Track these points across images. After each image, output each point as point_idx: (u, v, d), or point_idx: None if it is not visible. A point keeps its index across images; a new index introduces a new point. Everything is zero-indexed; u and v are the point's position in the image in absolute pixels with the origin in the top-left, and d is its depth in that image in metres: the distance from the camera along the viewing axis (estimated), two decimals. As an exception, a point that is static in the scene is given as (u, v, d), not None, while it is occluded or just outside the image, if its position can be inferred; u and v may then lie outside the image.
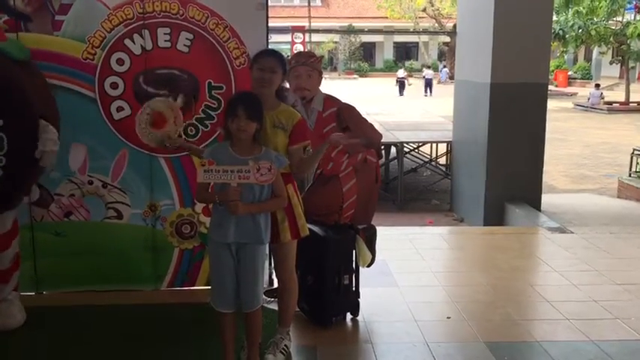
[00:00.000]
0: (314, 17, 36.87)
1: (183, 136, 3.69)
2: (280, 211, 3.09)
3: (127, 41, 3.79)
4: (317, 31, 34.81)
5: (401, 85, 30.36)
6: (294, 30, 30.67)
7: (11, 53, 3.30)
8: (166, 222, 4.02)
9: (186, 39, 3.82)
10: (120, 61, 3.80)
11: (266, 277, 3.82)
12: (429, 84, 30.09)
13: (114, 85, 3.82)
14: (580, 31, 23.22)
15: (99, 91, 3.81)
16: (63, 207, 3.94)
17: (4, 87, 3.18)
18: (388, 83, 34.37)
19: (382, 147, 8.72)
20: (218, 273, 3.01)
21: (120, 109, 3.85)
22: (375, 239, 3.92)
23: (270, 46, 3.82)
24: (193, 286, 4.14)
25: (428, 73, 30.74)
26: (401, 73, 31.77)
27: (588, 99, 24.39)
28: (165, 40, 3.81)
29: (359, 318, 3.81)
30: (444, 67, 38.66)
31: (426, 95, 29.65)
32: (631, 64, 26.12)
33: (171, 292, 4.12)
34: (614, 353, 3.43)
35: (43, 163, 3.32)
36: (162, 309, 3.91)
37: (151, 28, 3.79)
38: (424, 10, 36.62)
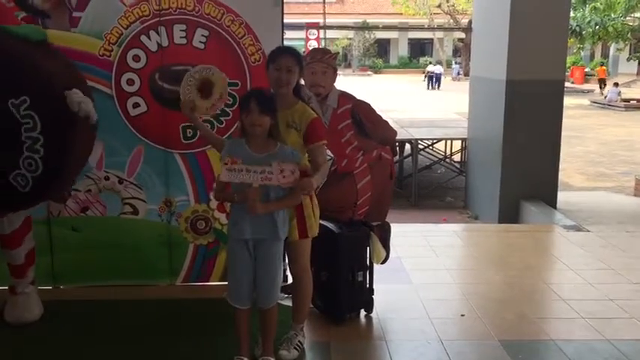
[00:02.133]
0: (328, 14, 36.85)
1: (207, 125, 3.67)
2: (290, 210, 3.10)
3: (143, 38, 3.81)
4: (331, 27, 34.79)
5: (430, 79, 31.18)
6: (308, 26, 30.67)
7: (28, 35, 3.33)
8: (181, 218, 4.05)
9: (202, 35, 3.83)
10: (136, 58, 3.83)
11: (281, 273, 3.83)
12: (437, 79, 30.59)
13: (130, 82, 3.85)
14: (597, 27, 23.04)
15: (115, 88, 3.84)
16: (80, 202, 3.98)
17: (23, 66, 3.18)
18: (403, 80, 34.28)
19: (397, 144, 8.70)
20: (235, 269, 3.02)
21: (136, 105, 3.87)
22: (390, 236, 3.92)
23: (284, 43, 3.84)
24: (208, 281, 4.17)
25: (436, 68, 31.21)
26: (432, 67, 32.35)
27: (605, 96, 24.14)
28: (181, 37, 3.83)
29: (373, 315, 3.81)
30: (457, 63, 38.80)
31: (429, 89, 30.26)
32: (649, 61, 25.87)
33: (186, 288, 4.15)
34: (630, 352, 3.40)
35: (83, 113, 3.27)
36: (177, 304, 3.94)
37: (167, 25, 3.81)
38: (439, 6, 36.45)
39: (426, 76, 32.23)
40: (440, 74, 31.25)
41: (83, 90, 3.43)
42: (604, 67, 33.90)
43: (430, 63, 36.82)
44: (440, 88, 30.46)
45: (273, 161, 2.82)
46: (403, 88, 29.72)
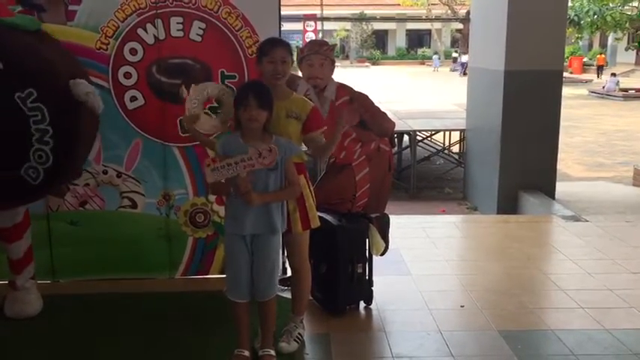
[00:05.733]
0: (326, 5, 36.72)
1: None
2: (292, 202, 3.09)
3: (140, 31, 3.79)
4: (329, 19, 34.70)
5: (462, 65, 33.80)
6: (306, 18, 30.58)
7: (25, 26, 3.29)
8: (180, 211, 4.05)
9: (199, 28, 3.81)
10: (133, 51, 3.81)
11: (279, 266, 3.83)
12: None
13: (127, 75, 3.83)
14: (595, 16, 22.98)
15: (112, 81, 3.82)
16: (78, 196, 3.98)
17: (25, 58, 3.15)
18: (401, 71, 34.26)
19: (395, 135, 8.70)
20: (233, 264, 3.02)
21: (133, 98, 3.86)
22: (388, 228, 3.92)
23: (282, 35, 3.82)
24: (207, 274, 4.16)
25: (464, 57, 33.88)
26: (465, 57, 34.14)
27: (603, 87, 24.13)
28: (178, 30, 3.81)
29: (372, 306, 3.82)
30: (435, 53, 40.02)
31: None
32: (647, 50, 25.85)
33: (186, 281, 4.15)
34: (629, 342, 3.41)
35: (91, 104, 3.24)
36: (177, 297, 3.94)
37: (164, 18, 3.79)
38: (437, -3, 36.33)
39: (460, 65, 34.56)
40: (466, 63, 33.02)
41: (87, 79, 3.42)
42: (603, 56, 33.90)
43: (443, 53, 40.84)
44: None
45: (250, 147, 2.80)
46: (402, 80, 29.66)
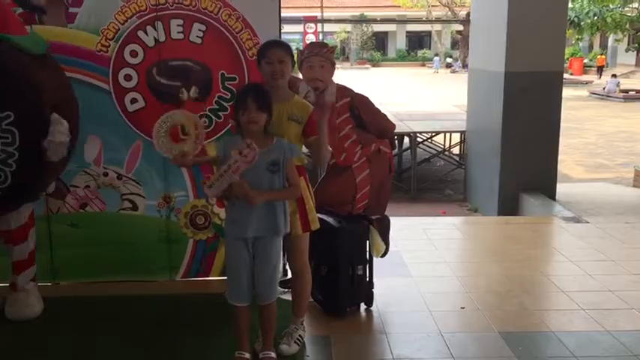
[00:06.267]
0: (326, 7, 36.74)
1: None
2: (292, 203, 3.10)
3: (140, 33, 3.79)
4: (329, 21, 34.69)
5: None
6: (306, 20, 30.61)
7: (25, 47, 3.29)
8: (180, 213, 4.05)
9: (199, 30, 3.81)
10: (133, 53, 3.81)
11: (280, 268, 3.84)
12: None
13: (127, 77, 3.84)
14: (595, 18, 22.98)
15: (113, 83, 3.83)
16: (79, 198, 3.98)
17: (14, 81, 3.15)
18: (401, 72, 34.29)
19: (395, 137, 8.70)
20: (234, 268, 3.02)
21: (134, 100, 3.86)
22: (389, 229, 3.91)
23: (282, 37, 3.83)
24: (208, 276, 4.16)
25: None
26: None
27: (604, 88, 24.13)
28: (178, 32, 3.81)
29: (373, 308, 3.82)
30: (436, 55, 40.33)
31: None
32: (647, 52, 25.87)
33: (186, 283, 4.15)
34: (630, 343, 3.41)
35: (50, 153, 3.25)
36: (177, 299, 3.94)
37: (164, 20, 3.79)
38: (437, -2, 36.35)
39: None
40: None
41: (74, 111, 3.42)
42: (604, 56, 33.90)
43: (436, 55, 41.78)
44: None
45: (231, 151, 2.78)
46: (403, 82, 29.67)
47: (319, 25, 31.66)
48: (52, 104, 3.28)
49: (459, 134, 10.39)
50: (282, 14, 3.94)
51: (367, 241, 3.73)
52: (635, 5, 23.45)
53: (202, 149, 2.99)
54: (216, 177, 2.80)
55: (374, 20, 40.50)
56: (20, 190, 3.32)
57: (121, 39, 3.78)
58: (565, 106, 7.86)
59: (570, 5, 21.27)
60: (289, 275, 3.59)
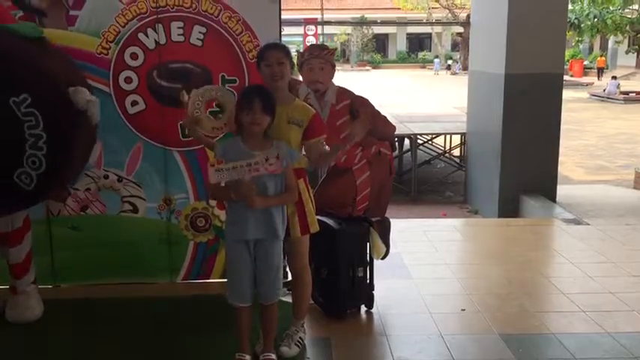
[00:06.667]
0: (326, 9, 36.77)
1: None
2: (291, 206, 3.10)
3: (141, 35, 3.80)
4: (329, 23, 34.72)
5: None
6: (306, 22, 30.61)
7: (25, 33, 3.29)
8: (181, 215, 4.05)
9: (200, 32, 3.82)
10: (134, 56, 3.82)
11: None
12: None
13: (128, 80, 3.84)
14: (595, 20, 22.99)
15: (113, 86, 3.83)
16: (79, 201, 3.98)
17: (22, 64, 3.16)
18: (402, 74, 34.33)
19: (396, 139, 8.71)
20: (235, 269, 3.02)
21: (134, 103, 3.87)
22: (389, 231, 3.91)
23: (282, 39, 3.84)
24: (208, 278, 4.17)
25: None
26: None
27: (604, 90, 24.14)
28: (179, 34, 3.82)
29: (373, 310, 3.82)
30: (436, 57, 40.66)
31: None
32: (647, 53, 25.88)
33: (187, 285, 4.15)
34: (630, 345, 3.40)
35: (90, 113, 3.26)
36: (178, 301, 3.94)
37: (165, 23, 3.80)
38: (437, 0, 36.38)
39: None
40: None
41: (87, 88, 3.42)
42: (604, 58, 33.91)
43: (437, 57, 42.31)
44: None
45: (257, 153, 2.81)
46: (403, 84, 29.67)
47: (319, 27, 31.65)
48: (64, 80, 3.27)
49: (459, 136, 10.40)
50: (283, 16, 3.95)
51: (367, 243, 3.74)
52: (636, 7, 23.46)
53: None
54: (229, 166, 2.78)
55: (374, 22, 40.55)
56: (55, 175, 3.29)
57: (122, 41, 3.79)
58: (565, 107, 7.87)
59: (570, 7, 21.29)
60: (289, 277, 3.58)
